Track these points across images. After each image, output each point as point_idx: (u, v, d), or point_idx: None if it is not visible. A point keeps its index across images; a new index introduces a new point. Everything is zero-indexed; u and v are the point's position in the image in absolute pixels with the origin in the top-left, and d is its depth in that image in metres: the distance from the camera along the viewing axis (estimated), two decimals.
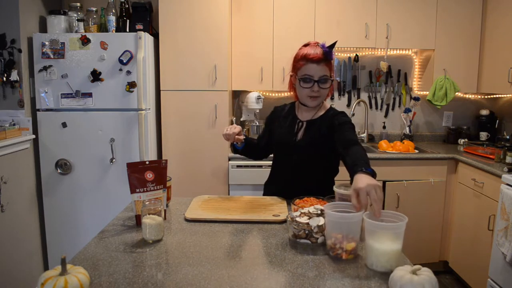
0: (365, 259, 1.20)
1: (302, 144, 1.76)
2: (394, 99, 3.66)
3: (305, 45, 1.73)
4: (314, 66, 1.64)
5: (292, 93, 1.83)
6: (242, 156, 2.01)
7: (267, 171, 1.98)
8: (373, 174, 1.33)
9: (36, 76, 2.71)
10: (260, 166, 2.96)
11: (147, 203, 1.38)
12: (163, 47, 2.94)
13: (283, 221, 1.51)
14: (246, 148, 1.88)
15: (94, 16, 2.87)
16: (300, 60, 1.68)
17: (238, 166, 2.99)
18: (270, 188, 1.94)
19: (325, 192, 1.62)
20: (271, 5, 3.18)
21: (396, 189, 2.97)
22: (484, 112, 3.52)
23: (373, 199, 1.19)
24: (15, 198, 2.59)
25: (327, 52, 1.65)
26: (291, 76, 1.77)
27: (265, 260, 1.20)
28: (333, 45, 1.68)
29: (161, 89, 2.98)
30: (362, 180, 1.24)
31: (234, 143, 1.82)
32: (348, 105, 3.64)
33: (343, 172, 2.98)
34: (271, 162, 1.96)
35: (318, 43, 1.70)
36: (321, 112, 1.79)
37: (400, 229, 1.13)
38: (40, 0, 2.88)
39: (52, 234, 2.84)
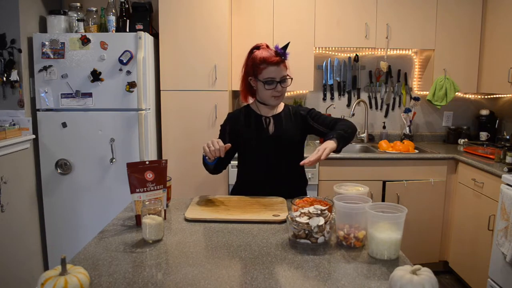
0: (366, 261, 1.20)
1: (275, 136, 1.86)
2: (394, 99, 3.66)
3: (257, 48, 1.82)
4: (275, 68, 1.76)
5: (243, 94, 1.91)
6: None
7: None
8: (337, 139, 1.69)
9: (36, 76, 2.71)
10: None
11: (147, 203, 1.38)
12: (163, 47, 2.94)
13: (283, 221, 1.51)
14: (218, 161, 1.80)
15: (94, 16, 2.87)
16: (260, 64, 1.77)
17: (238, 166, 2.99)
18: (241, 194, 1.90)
19: (300, 185, 1.95)
20: (271, 5, 3.18)
21: (396, 189, 2.97)
22: (484, 112, 3.52)
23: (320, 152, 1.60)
24: (15, 198, 2.59)
25: (283, 53, 1.79)
26: (250, 80, 1.85)
27: (265, 260, 1.20)
28: (286, 46, 1.81)
29: (161, 89, 2.98)
30: (323, 145, 1.65)
31: (206, 157, 1.74)
32: (348, 105, 3.65)
33: (342, 173, 2.98)
34: None
35: (267, 45, 1.84)
36: (281, 108, 1.93)
37: (399, 219, 1.21)
38: (40, 0, 2.88)
39: (52, 234, 2.84)
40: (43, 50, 2.69)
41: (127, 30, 2.87)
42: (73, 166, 2.79)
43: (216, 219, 1.54)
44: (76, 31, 2.81)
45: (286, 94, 3.52)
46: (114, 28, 2.85)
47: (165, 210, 1.53)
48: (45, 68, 2.70)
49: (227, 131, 1.91)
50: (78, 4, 2.90)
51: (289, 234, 1.35)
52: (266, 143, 1.85)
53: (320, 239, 1.30)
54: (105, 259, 1.21)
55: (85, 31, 2.81)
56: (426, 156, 3.02)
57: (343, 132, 1.73)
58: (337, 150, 1.69)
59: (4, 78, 2.63)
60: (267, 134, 1.86)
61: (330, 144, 1.66)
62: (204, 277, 1.10)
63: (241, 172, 1.99)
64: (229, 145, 1.70)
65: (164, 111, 3.00)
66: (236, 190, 1.99)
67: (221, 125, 1.96)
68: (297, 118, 1.89)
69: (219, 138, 1.89)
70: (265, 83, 1.78)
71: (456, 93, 3.33)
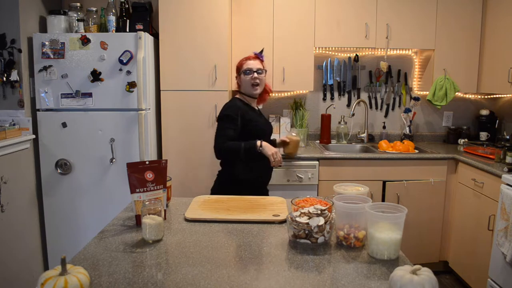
0: (366, 261, 1.20)
1: (267, 122, 2.45)
2: (394, 99, 3.66)
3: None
4: (252, 61, 2.30)
5: (239, 92, 2.34)
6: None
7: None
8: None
9: (36, 76, 2.71)
10: None
11: (147, 203, 1.38)
12: (163, 47, 2.94)
13: (283, 221, 1.51)
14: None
15: (94, 16, 2.87)
16: (242, 61, 2.32)
17: None
18: (245, 184, 2.18)
19: None
20: (271, 5, 3.18)
21: (396, 189, 2.97)
22: (484, 112, 3.52)
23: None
24: (15, 198, 2.59)
25: (259, 55, 2.35)
26: (236, 78, 2.35)
27: (265, 260, 1.20)
28: (261, 51, 2.38)
29: (161, 89, 2.98)
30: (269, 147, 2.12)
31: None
32: (348, 105, 3.64)
33: (342, 173, 2.98)
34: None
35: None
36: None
37: (399, 219, 1.22)
38: (40, 0, 2.88)
39: (52, 234, 2.84)
40: (43, 50, 2.69)
41: (127, 30, 2.87)
42: (73, 166, 2.79)
43: (216, 219, 1.54)
44: (76, 31, 2.81)
45: (286, 94, 3.55)
46: (114, 28, 2.85)
47: (165, 210, 1.53)
48: (45, 68, 2.70)
49: (239, 120, 2.17)
50: (78, 4, 2.90)
51: (289, 234, 1.35)
52: (265, 127, 2.31)
53: (320, 239, 1.30)
54: (105, 259, 1.21)
55: (85, 31, 2.81)
56: (426, 156, 3.02)
57: None
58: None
59: (4, 78, 2.63)
60: (263, 121, 2.35)
61: None
62: (204, 277, 1.10)
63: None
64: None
65: (164, 111, 3.00)
66: (241, 178, 2.21)
67: (229, 115, 2.17)
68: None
69: (229, 127, 2.15)
70: (244, 72, 2.27)
71: (456, 93, 3.33)
